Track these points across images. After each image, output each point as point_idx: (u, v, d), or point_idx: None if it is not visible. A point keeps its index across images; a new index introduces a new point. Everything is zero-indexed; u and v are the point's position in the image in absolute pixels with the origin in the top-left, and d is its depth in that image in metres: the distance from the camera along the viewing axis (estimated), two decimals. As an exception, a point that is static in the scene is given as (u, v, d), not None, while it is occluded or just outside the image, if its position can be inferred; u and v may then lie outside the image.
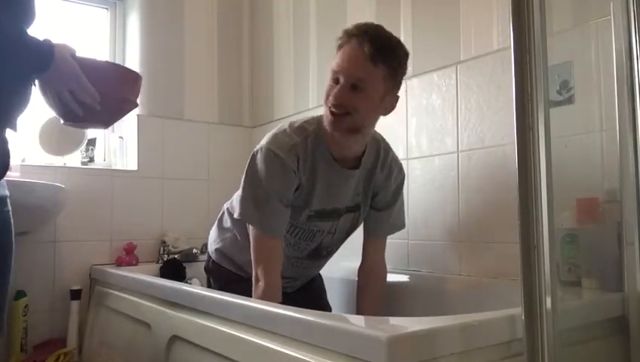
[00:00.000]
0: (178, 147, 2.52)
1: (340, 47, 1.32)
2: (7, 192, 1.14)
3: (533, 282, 0.84)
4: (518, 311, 0.86)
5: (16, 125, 1.09)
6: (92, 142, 2.43)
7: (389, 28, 1.93)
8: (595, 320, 1.09)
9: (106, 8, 2.58)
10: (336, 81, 1.29)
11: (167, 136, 2.46)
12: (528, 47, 0.85)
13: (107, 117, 1.24)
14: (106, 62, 1.21)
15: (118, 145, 2.50)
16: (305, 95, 2.35)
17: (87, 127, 1.36)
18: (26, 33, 1.04)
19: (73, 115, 1.15)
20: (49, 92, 1.12)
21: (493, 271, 1.53)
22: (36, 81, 1.13)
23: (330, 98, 1.29)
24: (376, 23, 1.97)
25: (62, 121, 1.22)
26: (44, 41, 1.07)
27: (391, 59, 1.28)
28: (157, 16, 2.51)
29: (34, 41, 1.05)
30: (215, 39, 2.68)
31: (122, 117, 1.28)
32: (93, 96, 1.12)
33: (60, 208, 2.04)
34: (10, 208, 1.15)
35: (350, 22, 2.12)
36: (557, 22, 1.07)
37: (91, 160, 2.42)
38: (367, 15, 2.02)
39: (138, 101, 1.27)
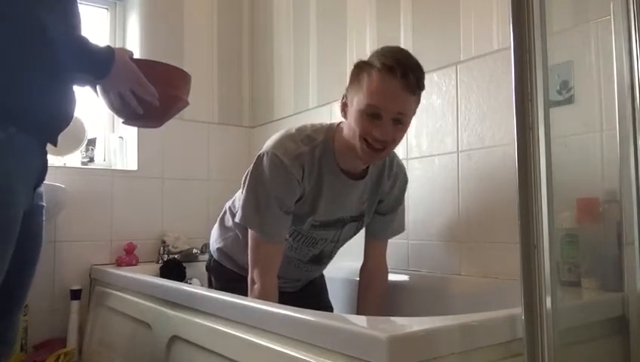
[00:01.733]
0: (178, 147, 2.52)
1: (367, 74, 1.24)
2: (44, 203, 1.20)
3: (533, 282, 0.84)
4: (518, 311, 0.86)
5: (57, 140, 1.16)
6: (92, 142, 2.43)
7: (389, 28, 1.95)
8: (595, 320, 1.09)
9: (106, 8, 2.58)
10: (375, 116, 1.23)
11: (167, 136, 2.45)
12: (528, 47, 0.85)
13: (163, 115, 1.33)
14: (160, 62, 1.30)
15: (118, 145, 2.50)
16: (305, 95, 2.35)
17: (143, 126, 1.47)
18: (89, 41, 1.13)
19: (134, 113, 1.24)
20: (112, 93, 1.22)
21: (493, 271, 1.53)
22: (97, 86, 1.24)
23: (377, 135, 1.24)
24: (376, 23, 1.99)
25: (122, 121, 1.33)
26: (105, 47, 1.17)
27: (422, 86, 1.27)
28: (157, 16, 2.51)
29: (96, 49, 1.15)
30: (215, 39, 2.68)
31: (175, 115, 1.37)
32: (153, 94, 1.22)
33: (60, 208, 2.04)
34: (45, 218, 1.21)
35: (350, 22, 2.14)
36: (557, 22, 1.07)
37: (91, 160, 2.42)
38: (367, 15, 2.02)
39: (189, 99, 1.36)
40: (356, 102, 1.26)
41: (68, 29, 1.11)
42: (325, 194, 1.38)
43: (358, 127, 1.26)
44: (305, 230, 1.43)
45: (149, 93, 1.21)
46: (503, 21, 1.55)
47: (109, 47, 1.17)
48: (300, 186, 1.35)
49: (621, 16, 1.12)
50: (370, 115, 1.24)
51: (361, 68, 1.27)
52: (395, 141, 1.29)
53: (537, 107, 0.85)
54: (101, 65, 1.14)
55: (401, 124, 1.26)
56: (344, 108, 1.32)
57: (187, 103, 1.35)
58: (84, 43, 1.12)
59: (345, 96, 1.33)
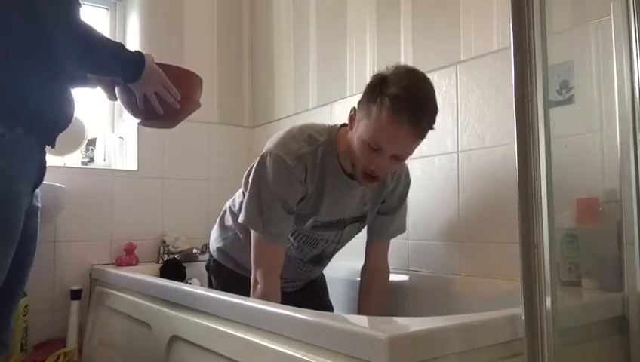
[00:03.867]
0: (178, 147, 2.52)
1: (379, 105, 1.18)
2: (39, 204, 1.22)
3: (533, 282, 0.84)
4: (518, 311, 0.86)
5: (55, 141, 1.23)
6: (92, 142, 2.43)
7: (389, 28, 1.95)
8: (595, 320, 1.09)
9: (106, 8, 2.58)
10: (376, 150, 1.23)
11: (167, 136, 2.45)
12: (528, 47, 0.85)
13: (180, 115, 1.40)
14: (177, 66, 1.38)
15: (118, 145, 2.50)
16: (305, 95, 2.35)
17: (160, 126, 1.54)
18: (124, 46, 1.21)
19: (154, 114, 1.32)
20: (137, 95, 1.28)
21: (493, 271, 1.53)
22: (116, 88, 1.33)
23: (373, 169, 1.25)
24: (376, 23, 1.99)
25: (138, 122, 1.40)
26: (137, 52, 1.24)
27: (433, 127, 1.24)
28: (157, 16, 2.51)
29: (130, 54, 1.22)
30: (215, 39, 2.68)
31: (188, 116, 1.45)
32: (176, 95, 1.30)
33: (60, 208, 2.04)
34: (39, 220, 1.23)
35: (350, 22, 2.14)
36: (557, 22, 1.07)
37: (91, 160, 2.43)
38: (367, 15, 2.02)
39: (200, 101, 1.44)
40: (362, 127, 1.23)
41: (76, 19, 1.13)
42: (327, 196, 1.37)
43: (359, 157, 1.26)
44: (306, 230, 1.42)
45: (172, 95, 1.28)
46: (503, 21, 1.55)
47: (139, 52, 1.24)
48: (303, 187, 1.34)
49: (621, 16, 1.12)
50: (371, 150, 1.23)
51: (375, 89, 1.21)
52: (392, 168, 1.33)
53: (537, 107, 0.85)
54: (134, 69, 1.22)
55: (401, 159, 1.28)
56: (351, 121, 1.30)
57: (199, 105, 1.44)
58: (119, 48, 1.20)
59: (354, 110, 1.29)
